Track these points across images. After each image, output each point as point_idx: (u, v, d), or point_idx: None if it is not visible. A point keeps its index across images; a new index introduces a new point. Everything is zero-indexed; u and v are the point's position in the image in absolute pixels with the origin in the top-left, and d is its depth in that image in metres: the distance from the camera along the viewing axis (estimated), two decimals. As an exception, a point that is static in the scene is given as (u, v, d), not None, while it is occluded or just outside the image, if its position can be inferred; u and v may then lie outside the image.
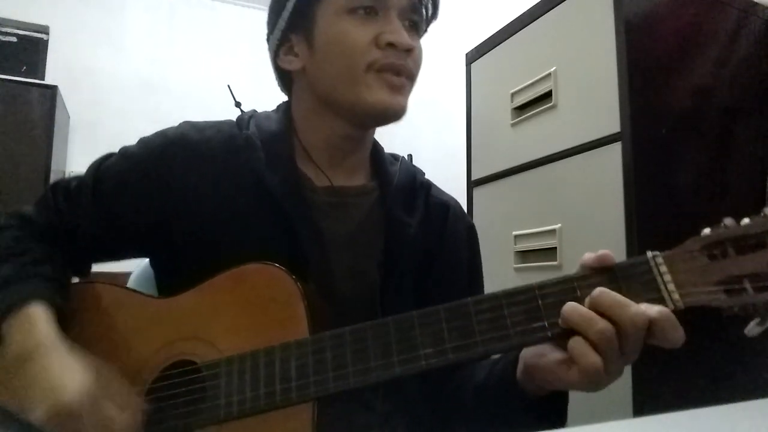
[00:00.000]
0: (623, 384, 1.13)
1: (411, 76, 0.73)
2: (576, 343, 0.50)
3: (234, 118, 0.80)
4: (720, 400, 0.53)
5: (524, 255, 1.51)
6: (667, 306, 0.49)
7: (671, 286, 0.49)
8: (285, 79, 0.81)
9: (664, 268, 0.50)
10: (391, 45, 0.69)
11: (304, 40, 0.74)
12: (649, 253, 0.51)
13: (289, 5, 0.74)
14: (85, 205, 0.72)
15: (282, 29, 0.75)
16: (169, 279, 0.71)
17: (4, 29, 2.50)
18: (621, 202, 1.19)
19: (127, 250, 0.76)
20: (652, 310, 0.48)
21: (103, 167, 0.74)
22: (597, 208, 1.28)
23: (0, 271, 0.64)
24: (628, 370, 1.12)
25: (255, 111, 0.81)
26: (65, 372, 0.57)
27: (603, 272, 0.52)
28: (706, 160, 1.29)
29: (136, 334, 0.66)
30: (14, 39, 2.52)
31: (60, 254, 0.70)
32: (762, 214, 0.49)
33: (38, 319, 0.61)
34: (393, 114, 0.72)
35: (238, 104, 0.75)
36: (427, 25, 0.78)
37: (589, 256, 0.53)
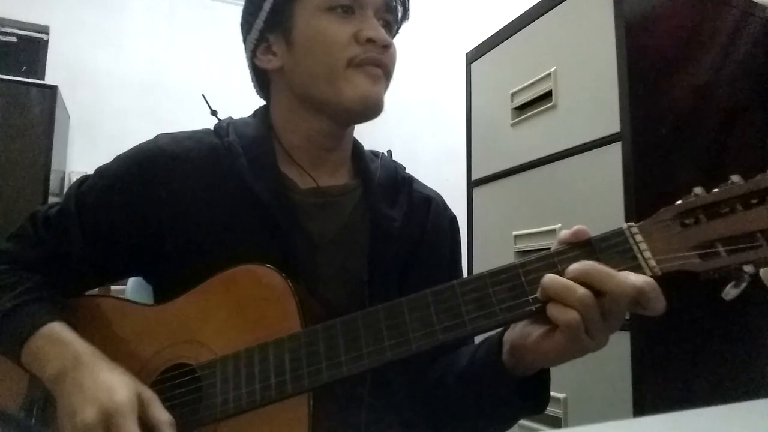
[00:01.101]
0: (623, 384, 1.13)
1: (388, 72, 0.74)
2: (554, 305, 0.51)
3: (212, 127, 0.80)
4: (720, 400, 0.53)
5: (524, 255, 1.50)
6: (645, 273, 0.50)
7: (647, 254, 0.51)
8: (262, 80, 0.81)
9: (639, 237, 0.52)
10: (370, 41, 0.70)
11: (282, 39, 0.74)
12: (624, 224, 0.53)
13: (266, 5, 0.74)
14: (71, 229, 0.71)
15: (259, 29, 0.76)
16: (165, 292, 0.71)
17: (4, 29, 2.50)
18: (621, 202, 1.19)
19: (117, 269, 0.76)
20: (638, 279, 0.49)
21: (83, 189, 0.73)
22: (597, 208, 1.28)
23: (3, 301, 0.65)
24: (628, 370, 1.12)
25: (232, 118, 0.82)
26: (112, 376, 0.58)
27: (581, 246, 0.53)
28: (706, 160, 1.29)
29: (131, 342, 0.66)
30: (14, 39, 2.52)
31: (50, 285, 0.69)
32: (729, 182, 0.51)
33: (65, 335, 0.63)
34: (372, 105, 0.72)
35: (214, 113, 0.76)
36: (399, 25, 0.80)
37: (565, 232, 0.54)
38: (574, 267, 0.51)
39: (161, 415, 0.57)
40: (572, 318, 0.50)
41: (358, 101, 0.71)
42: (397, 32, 0.80)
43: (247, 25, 0.78)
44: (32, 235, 0.72)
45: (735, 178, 0.51)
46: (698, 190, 0.52)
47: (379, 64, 0.72)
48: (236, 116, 0.83)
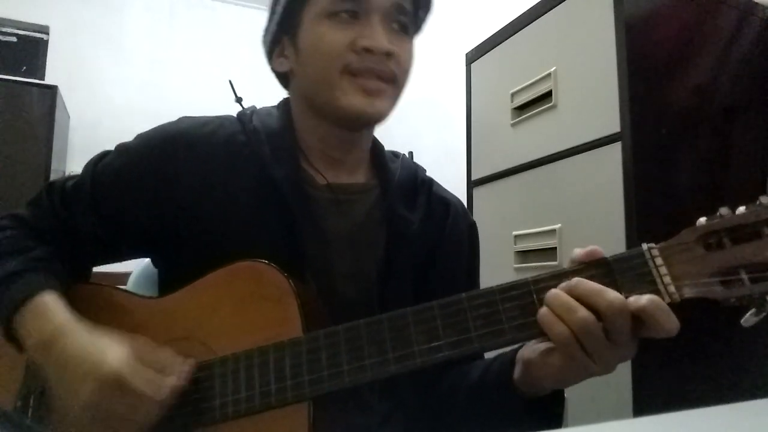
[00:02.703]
0: (623, 384, 1.13)
1: (392, 80, 0.71)
2: (544, 313, 0.50)
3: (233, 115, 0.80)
4: (720, 400, 0.53)
5: (524, 255, 1.51)
6: (663, 299, 0.48)
7: (667, 279, 0.49)
8: (282, 79, 0.81)
9: (659, 261, 0.50)
10: (367, 50, 0.68)
11: (291, 43, 0.74)
12: (645, 246, 0.51)
13: (279, 8, 0.74)
14: (84, 205, 0.71)
15: (273, 32, 0.76)
16: (172, 277, 0.71)
17: (4, 29, 2.50)
18: (621, 202, 1.19)
19: (127, 250, 0.76)
20: (641, 299, 0.48)
21: (101, 165, 0.73)
22: (597, 208, 1.27)
23: (5, 266, 0.64)
24: (628, 371, 1.12)
25: (255, 107, 0.81)
26: (97, 345, 0.57)
27: (598, 266, 0.52)
28: (706, 160, 1.29)
29: None
30: (14, 39, 2.52)
31: (59, 256, 0.69)
32: (757, 203, 0.49)
33: (53, 305, 0.62)
34: (368, 119, 0.71)
35: (239, 99, 0.75)
36: (421, 22, 0.77)
37: (578, 252, 0.53)
38: (564, 284, 0.50)
39: (152, 375, 0.56)
40: (560, 332, 0.49)
41: (351, 112, 0.69)
42: (418, 30, 0.77)
43: (266, 27, 0.79)
44: (47, 206, 0.72)
45: (764, 199, 0.48)
46: (724, 210, 0.50)
47: (379, 75, 0.69)
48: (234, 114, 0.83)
